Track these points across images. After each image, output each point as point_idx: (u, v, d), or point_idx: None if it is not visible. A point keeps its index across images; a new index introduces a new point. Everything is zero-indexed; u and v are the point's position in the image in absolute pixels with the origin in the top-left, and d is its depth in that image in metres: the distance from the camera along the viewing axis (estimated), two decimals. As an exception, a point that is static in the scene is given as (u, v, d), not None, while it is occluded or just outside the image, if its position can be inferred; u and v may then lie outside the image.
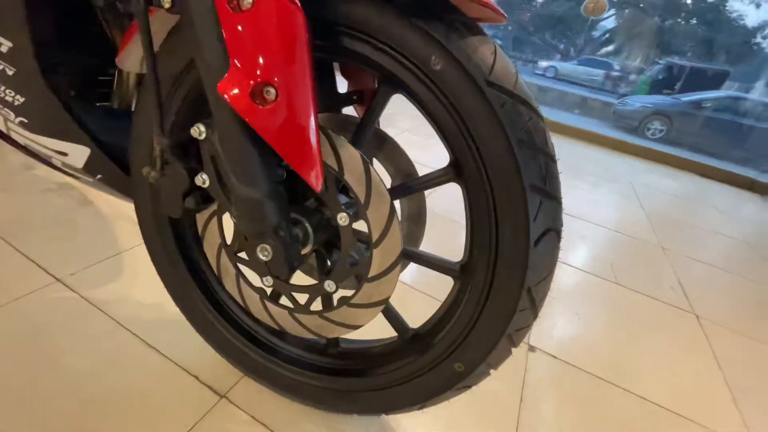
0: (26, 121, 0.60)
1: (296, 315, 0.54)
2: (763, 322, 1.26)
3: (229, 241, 0.54)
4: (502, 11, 0.40)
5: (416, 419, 0.67)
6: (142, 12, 0.41)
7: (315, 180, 0.41)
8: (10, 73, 0.55)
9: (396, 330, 0.57)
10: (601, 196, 2.17)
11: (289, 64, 0.38)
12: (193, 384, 0.66)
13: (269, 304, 0.56)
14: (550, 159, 0.41)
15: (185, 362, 0.69)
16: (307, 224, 0.49)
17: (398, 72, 0.42)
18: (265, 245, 0.45)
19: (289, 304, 0.54)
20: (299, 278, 0.53)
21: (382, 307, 0.50)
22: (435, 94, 0.41)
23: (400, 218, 0.52)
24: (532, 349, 0.90)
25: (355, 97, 0.61)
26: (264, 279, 0.53)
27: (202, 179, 0.46)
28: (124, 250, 0.93)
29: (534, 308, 0.45)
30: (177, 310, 0.76)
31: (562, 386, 0.82)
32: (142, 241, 0.92)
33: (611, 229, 1.73)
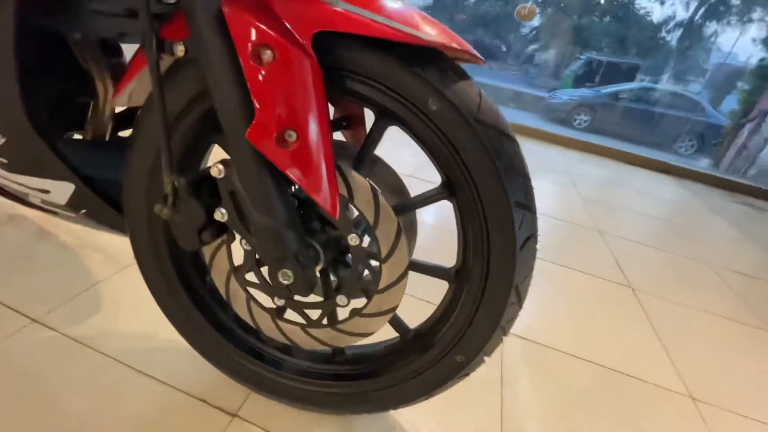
0: (5, 161, 0.58)
1: (309, 330, 0.58)
2: (686, 289, 1.48)
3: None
4: (481, 56, 0.48)
5: (416, 410, 0.74)
6: (155, 62, 0.43)
7: (332, 209, 0.46)
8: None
9: (397, 331, 0.63)
10: (542, 187, 2.38)
11: (307, 108, 0.42)
12: (203, 407, 0.67)
13: (281, 323, 0.59)
14: (527, 179, 0.50)
15: (189, 387, 0.70)
16: (317, 245, 0.54)
17: (398, 110, 0.48)
18: (287, 270, 0.49)
19: (302, 321, 0.58)
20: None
21: (391, 315, 0.56)
22: (431, 129, 0.47)
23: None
24: (504, 334, 1.01)
25: (344, 123, 0.66)
26: (275, 299, 0.57)
27: (221, 214, 0.49)
28: (98, 281, 0.90)
29: (520, 302, 0.54)
30: (168, 337, 0.77)
31: (534, 363, 0.94)
32: (117, 270, 0.90)
33: (555, 218, 1.92)
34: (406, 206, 0.57)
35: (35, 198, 0.64)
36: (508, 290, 0.52)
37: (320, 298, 0.58)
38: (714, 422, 0.88)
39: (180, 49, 0.44)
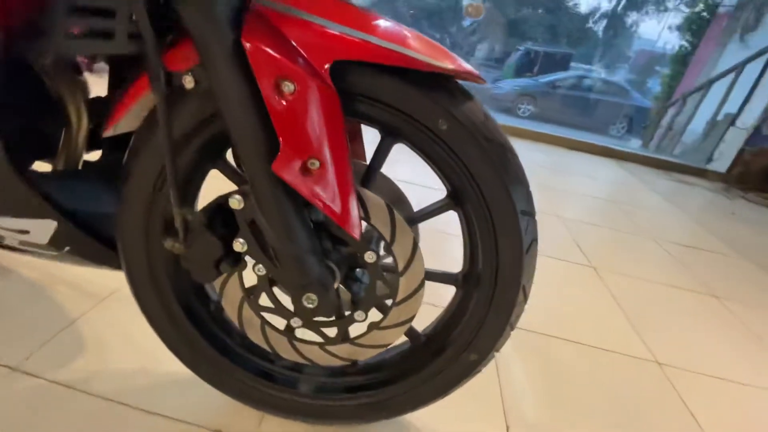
0: (-22, 201, 0.53)
1: (327, 347, 0.59)
2: (639, 263, 1.64)
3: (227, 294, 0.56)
4: (483, 77, 0.51)
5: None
6: (163, 97, 0.42)
7: (354, 230, 0.47)
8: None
9: (408, 337, 0.66)
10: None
11: (328, 136, 0.43)
12: (219, 436, 0.66)
13: (297, 343, 0.60)
14: (528, 188, 0.54)
15: (200, 419, 0.68)
16: (333, 265, 0.54)
17: (406, 129, 0.50)
18: (310, 294, 0.49)
19: (319, 339, 0.59)
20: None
21: (409, 325, 0.58)
22: (441, 147, 0.50)
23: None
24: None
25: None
26: (291, 321, 0.57)
27: (240, 244, 0.48)
28: (75, 318, 0.84)
29: (526, 299, 0.59)
30: (164, 369, 0.74)
31: (521, 348, 1.00)
32: (93, 304, 0.86)
33: (520, 207, 2.03)
34: (415, 219, 0.59)
35: (12, 240, 0.59)
36: (516, 290, 0.56)
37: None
38: (679, 382, 1.00)
39: (189, 81, 0.43)
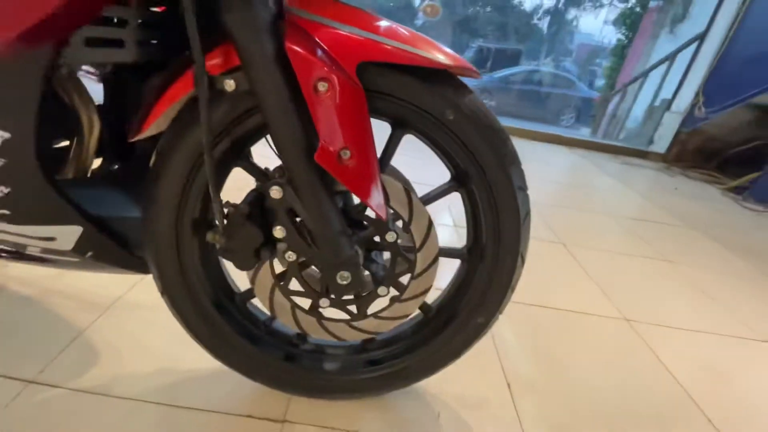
0: (8, 213, 0.54)
1: (354, 323, 0.65)
2: (600, 237, 1.81)
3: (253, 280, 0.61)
4: (477, 70, 0.58)
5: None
6: (206, 100, 0.46)
7: (381, 211, 0.53)
8: (-3, 163, 0.49)
9: (420, 309, 0.73)
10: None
11: (357, 128, 0.49)
12: (251, 423, 0.70)
13: (326, 322, 0.65)
14: (521, 167, 0.62)
15: (229, 407, 0.72)
16: (356, 246, 0.60)
17: (416, 120, 0.57)
18: (344, 272, 0.55)
19: (346, 317, 0.65)
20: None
21: (426, 296, 0.65)
22: (448, 135, 0.57)
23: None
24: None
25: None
26: (320, 302, 0.62)
27: (280, 231, 0.53)
28: (83, 328, 0.84)
29: (523, 264, 0.67)
30: (183, 365, 0.78)
31: (511, 317, 1.10)
32: (99, 314, 0.87)
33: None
34: (424, 201, 0.66)
35: (34, 249, 0.60)
36: (516, 257, 0.64)
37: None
38: (645, 334, 1.13)
39: (230, 84, 0.47)
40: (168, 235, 0.59)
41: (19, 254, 0.61)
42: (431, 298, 0.73)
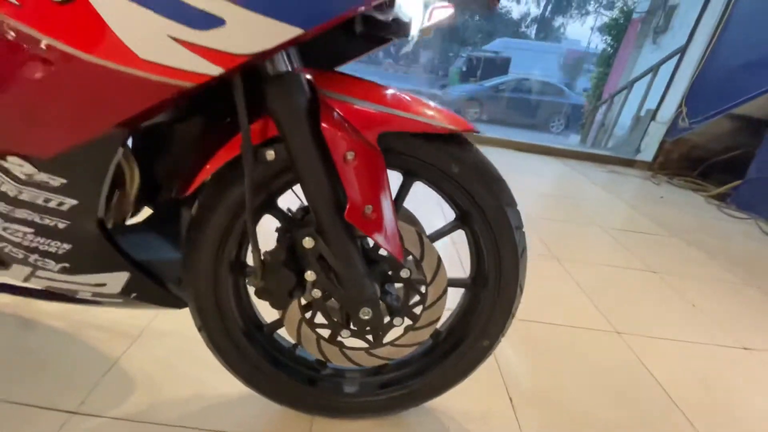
0: (68, 265, 0.61)
1: (373, 351, 0.72)
2: (591, 250, 1.90)
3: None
4: (477, 128, 0.67)
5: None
6: (251, 169, 0.54)
7: (398, 254, 0.61)
8: (62, 226, 0.56)
9: (430, 335, 0.80)
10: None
11: (379, 188, 0.57)
12: (279, 441, 0.76)
13: (347, 350, 0.72)
14: (517, 208, 0.70)
15: (256, 429, 0.78)
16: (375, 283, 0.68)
17: (425, 172, 0.65)
18: (366, 308, 0.63)
19: (364, 345, 0.72)
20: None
21: (437, 324, 0.73)
22: (453, 184, 0.65)
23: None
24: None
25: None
26: (342, 333, 0.70)
27: (311, 274, 0.60)
28: (116, 358, 0.90)
29: (522, 292, 0.75)
30: (214, 391, 0.86)
31: (512, 334, 1.17)
32: (129, 344, 0.94)
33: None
34: (432, 237, 0.74)
35: (86, 293, 0.66)
36: (515, 287, 0.73)
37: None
38: (635, 346, 1.22)
39: (270, 154, 0.55)
40: (207, 276, 0.67)
41: (70, 298, 0.68)
42: (439, 323, 0.81)
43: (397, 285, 0.71)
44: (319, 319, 0.69)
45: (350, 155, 0.54)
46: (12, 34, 0.36)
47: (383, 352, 0.73)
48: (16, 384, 0.80)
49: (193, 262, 0.66)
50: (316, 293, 0.64)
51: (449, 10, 0.68)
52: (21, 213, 0.52)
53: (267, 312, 0.75)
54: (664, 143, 3.85)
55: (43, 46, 0.36)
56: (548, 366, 1.08)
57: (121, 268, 0.65)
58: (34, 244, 0.56)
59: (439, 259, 0.69)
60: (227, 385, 0.81)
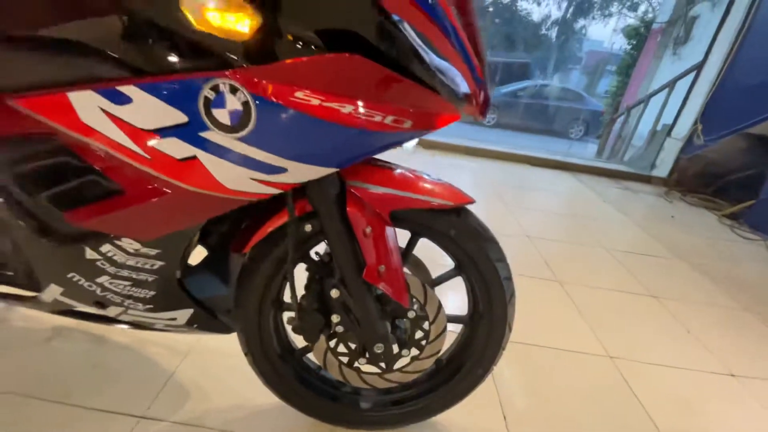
0: (151, 306, 0.78)
1: (385, 376, 0.88)
2: (594, 273, 2.01)
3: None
4: (472, 198, 0.81)
5: (446, 410, 1.07)
6: (294, 239, 0.70)
7: (405, 302, 0.77)
8: (151, 279, 0.74)
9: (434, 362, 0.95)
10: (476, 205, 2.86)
11: (390, 252, 0.73)
12: (306, 446, 0.93)
13: (363, 375, 0.88)
14: (506, 262, 0.85)
15: (290, 435, 0.95)
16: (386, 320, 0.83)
17: (428, 234, 0.80)
18: (379, 344, 0.79)
19: (378, 370, 0.88)
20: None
21: (438, 356, 0.88)
22: (451, 243, 0.80)
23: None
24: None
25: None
26: (359, 360, 0.85)
27: (336, 317, 0.77)
28: (172, 370, 1.09)
29: (511, 331, 0.89)
30: (253, 403, 1.03)
31: (510, 355, 1.31)
32: (181, 358, 1.12)
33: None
34: (435, 282, 0.89)
35: (159, 325, 0.84)
36: (504, 326, 0.87)
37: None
38: (625, 371, 1.34)
39: (308, 227, 0.71)
40: (254, 312, 0.84)
41: (146, 328, 0.86)
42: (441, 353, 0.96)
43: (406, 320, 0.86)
44: (341, 347, 0.85)
45: (368, 229, 0.70)
46: (143, 172, 0.53)
47: (393, 376, 0.89)
48: (93, 392, 0.99)
49: (243, 302, 0.83)
50: (340, 329, 0.81)
51: None
52: (124, 272, 0.70)
53: (298, 338, 0.92)
54: (679, 159, 3.87)
55: (165, 181, 0.54)
56: (542, 387, 1.22)
57: (188, 306, 0.82)
58: (128, 293, 0.74)
59: (440, 303, 0.84)
60: (263, 396, 0.97)
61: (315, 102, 0.48)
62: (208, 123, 0.49)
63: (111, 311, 0.78)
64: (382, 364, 0.86)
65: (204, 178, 0.53)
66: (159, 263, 0.71)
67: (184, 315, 0.83)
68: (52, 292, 0.74)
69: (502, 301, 0.85)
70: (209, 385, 1.06)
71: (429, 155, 3.83)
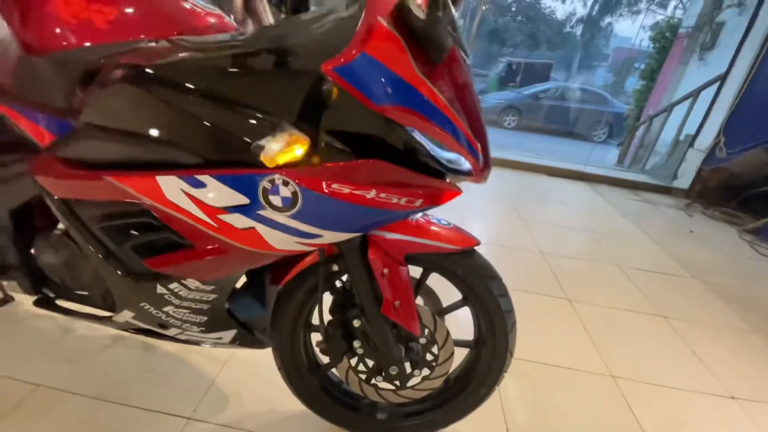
0: (203, 328, 0.93)
1: (399, 392, 1.01)
2: (605, 292, 2.07)
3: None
4: (478, 240, 0.92)
5: (454, 422, 1.18)
6: (324, 279, 0.83)
7: (416, 332, 0.89)
8: (205, 308, 0.89)
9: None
10: (488, 215, 2.94)
11: (404, 289, 0.85)
12: (330, 450, 1.07)
13: (380, 390, 1.01)
14: (508, 296, 0.96)
15: (315, 439, 1.09)
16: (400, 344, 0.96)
17: (439, 270, 0.92)
18: (394, 367, 0.91)
19: (392, 387, 1.00)
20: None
21: (446, 376, 1.00)
22: (458, 279, 0.92)
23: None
24: (494, 356, 1.48)
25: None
26: (376, 378, 0.98)
27: (357, 343, 0.90)
28: (213, 377, 1.24)
29: (512, 356, 1.00)
30: (284, 409, 1.17)
31: (515, 373, 1.41)
32: (221, 366, 1.27)
33: (506, 246, 2.46)
34: (444, 311, 1.01)
35: (208, 343, 0.99)
36: (506, 352, 0.98)
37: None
38: (626, 391, 1.42)
39: (335, 267, 0.85)
40: (287, 333, 0.98)
41: (196, 344, 1.01)
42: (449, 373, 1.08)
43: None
44: (361, 366, 0.98)
45: (386, 271, 0.82)
46: (206, 233, 0.68)
47: (406, 392, 1.01)
48: (148, 394, 1.16)
49: (278, 325, 0.97)
50: (360, 350, 0.94)
51: None
52: (185, 303, 0.84)
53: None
54: (701, 171, 3.83)
55: (228, 243, 0.68)
56: (544, 404, 1.31)
57: (232, 327, 0.97)
58: (186, 318, 0.89)
59: (448, 332, 0.96)
60: (292, 404, 1.11)
61: (346, 190, 0.61)
62: (265, 204, 0.63)
63: (170, 332, 0.94)
64: (397, 383, 0.99)
65: (259, 242, 0.67)
66: (213, 296, 0.85)
67: (229, 335, 0.98)
68: (125, 315, 0.90)
69: (504, 331, 0.96)
70: (245, 391, 1.21)
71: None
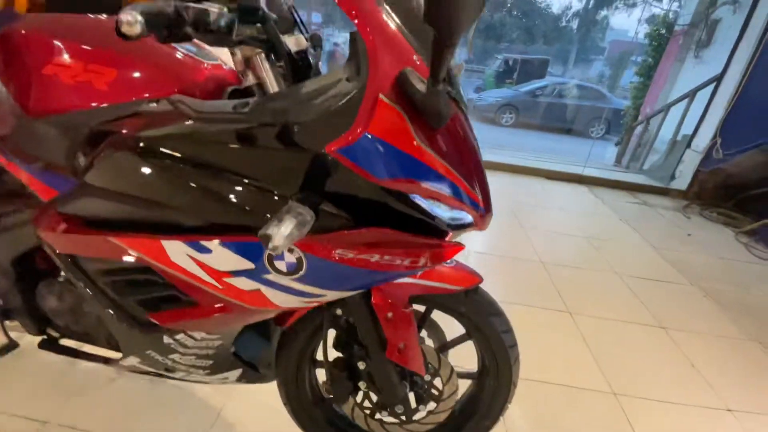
0: (209, 371, 0.94)
1: (405, 425, 1.02)
2: (604, 302, 2.09)
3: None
4: (481, 278, 0.93)
5: (459, 448, 1.20)
6: (329, 322, 0.84)
7: (420, 372, 0.90)
8: (210, 353, 0.89)
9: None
10: (494, 229, 2.95)
11: (409, 330, 0.86)
12: (337, 482, 1.08)
13: (387, 426, 1.02)
14: (512, 331, 0.97)
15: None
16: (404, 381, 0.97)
17: (441, 308, 0.93)
18: (400, 405, 0.92)
19: (397, 421, 1.01)
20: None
21: (450, 410, 1.01)
22: (461, 315, 0.93)
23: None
24: (496, 375, 1.50)
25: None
26: (381, 413, 0.99)
27: (362, 383, 0.90)
28: (220, 408, 1.25)
29: (515, 388, 1.01)
30: None
31: (519, 391, 1.42)
32: (225, 397, 1.28)
33: (507, 256, 2.47)
34: (448, 346, 1.02)
35: (216, 382, 1.00)
36: (509, 384, 0.99)
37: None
38: (627, 407, 1.43)
39: (339, 311, 0.85)
40: (292, 370, 0.99)
41: (204, 383, 1.02)
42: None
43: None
44: (366, 402, 0.99)
45: (390, 315, 0.83)
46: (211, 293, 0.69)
47: (412, 426, 1.02)
48: (153, 428, 1.16)
49: (283, 362, 0.98)
50: (365, 390, 0.95)
51: None
52: (191, 351, 0.85)
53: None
54: (698, 172, 3.85)
55: (233, 303, 0.69)
56: (547, 423, 1.33)
57: (238, 367, 0.97)
58: (192, 363, 0.89)
59: (452, 368, 0.97)
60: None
61: (350, 255, 0.62)
62: (270, 269, 0.63)
63: (176, 375, 0.95)
64: (402, 417, 1.00)
65: (264, 301, 0.68)
66: (219, 343, 0.86)
67: (234, 374, 0.98)
68: (132, 360, 0.91)
69: (507, 365, 0.97)
70: (251, 422, 1.22)
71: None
